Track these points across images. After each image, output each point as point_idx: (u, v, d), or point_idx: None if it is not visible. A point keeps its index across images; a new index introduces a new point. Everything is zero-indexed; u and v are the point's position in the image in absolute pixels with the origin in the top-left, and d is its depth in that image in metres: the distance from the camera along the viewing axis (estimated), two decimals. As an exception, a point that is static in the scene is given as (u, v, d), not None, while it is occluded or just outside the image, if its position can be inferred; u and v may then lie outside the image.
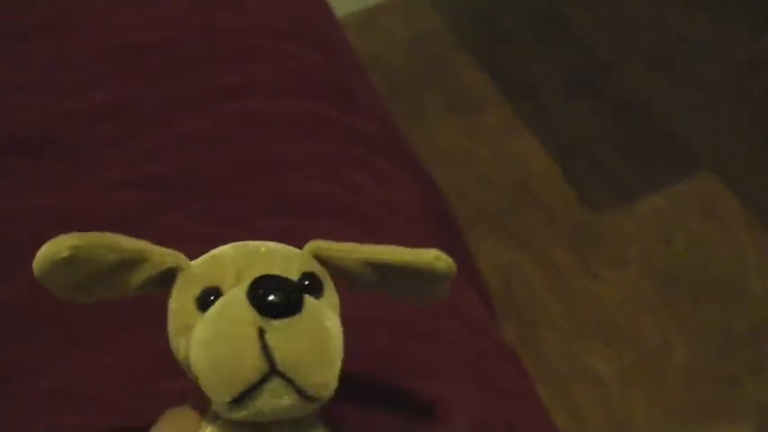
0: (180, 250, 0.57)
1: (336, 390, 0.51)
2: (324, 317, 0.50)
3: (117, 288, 0.55)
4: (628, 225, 1.60)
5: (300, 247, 0.57)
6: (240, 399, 0.49)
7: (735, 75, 1.81)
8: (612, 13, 1.98)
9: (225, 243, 0.58)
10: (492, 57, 1.94)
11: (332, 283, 0.56)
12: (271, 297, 0.48)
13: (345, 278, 0.57)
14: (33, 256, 0.82)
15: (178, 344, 0.53)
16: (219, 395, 0.49)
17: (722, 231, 1.57)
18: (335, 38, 1.12)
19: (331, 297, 0.55)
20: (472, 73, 1.91)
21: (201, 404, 0.54)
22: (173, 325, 0.54)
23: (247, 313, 0.48)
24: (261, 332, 0.48)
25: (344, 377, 0.52)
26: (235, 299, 0.49)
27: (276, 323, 0.48)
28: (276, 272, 0.52)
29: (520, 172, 1.71)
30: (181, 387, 0.57)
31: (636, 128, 1.75)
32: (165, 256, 0.55)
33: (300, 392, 0.49)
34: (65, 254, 0.51)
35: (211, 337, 0.49)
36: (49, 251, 0.51)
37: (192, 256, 0.58)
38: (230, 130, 0.93)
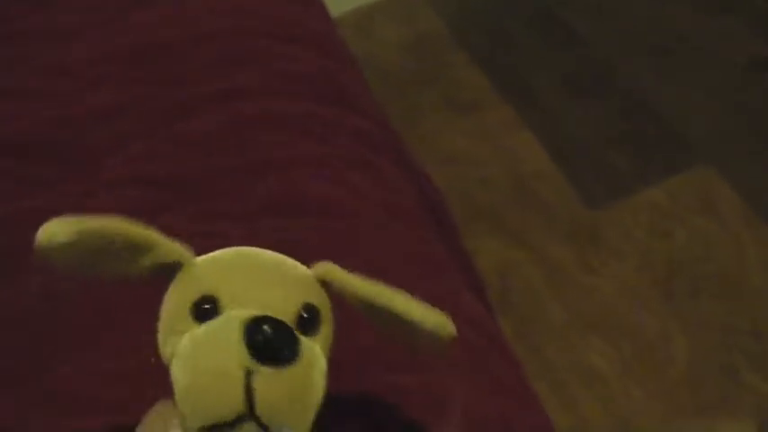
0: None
1: None
2: (314, 367, 0.50)
3: (120, 270, 0.54)
4: (626, 220, 1.60)
5: (307, 262, 0.56)
6: (210, 430, 0.49)
7: (733, 72, 1.81)
8: (612, 12, 1.98)
9: (226, 242, 0.57)
10: (490, 56, 1.95)
11: (330, 314, 0.55)
12: (267, 344, 0.48)
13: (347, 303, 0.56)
14: (30, 260, 0.82)
15: (165, 342, 0.53)
16: (191, 420, 0.49)
17: (721, 225, 1.57)
18: (331, 39, 1.12)
19: (327, 330, 0.54)
20: (470, 72, 1.92)
21: None
22: (164, 322, 0.54)
23: (239, 352, 0.48)
24: (248, 374, 0.47)
25: (335, 373, 0.52)
26: (229, 331, 0.49)
27: (265, 370, 0.48)
28: (277, 300, 0.52)
29: (518, 170, 1.72)
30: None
31: (633, 124, 1.76)
32: (171, 249, 0.54)
33: None
34: (70, 238, 0.50)
35: (198, 362, 0.49)
36: (53, 232, 0.51)
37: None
38: (229, 132, 0.94)
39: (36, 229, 0.86)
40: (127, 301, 0.77)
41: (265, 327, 0.48)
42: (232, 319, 0.50)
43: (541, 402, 0.77)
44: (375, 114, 1.03)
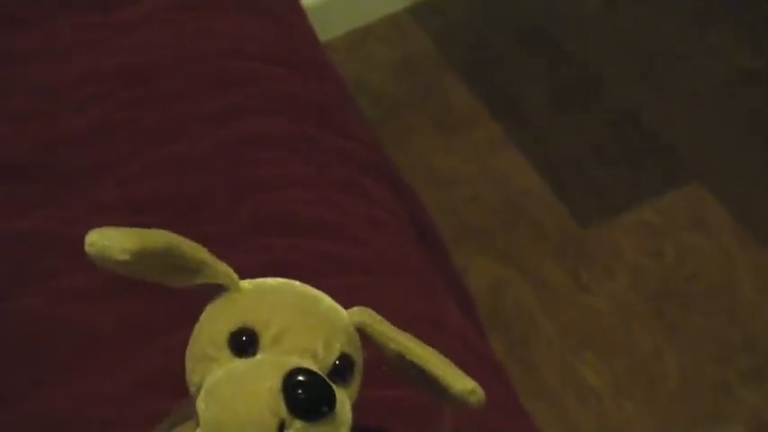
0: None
1: None
2: (343, 425, 0.50)
3: (164, 281, 0.53)
4: (617, 237, 1.61)
5: (346, 306, 0.56)
6: None
7: (721, 87, 1.82)
8: (599, 28, 2.00)
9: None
10: (478, 75, 1.95)
11: (361, 364, 0.55)
12: (305, 399, 0.47)
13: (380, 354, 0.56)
14: (21, 281, 0.83)
15: (194, 366, 0.52)
16: None
17: (711, 241, 1.58)
18: (319, 60, 1.13)
19: (357, 380, 0.54)
20: (459, 93, 1.92)
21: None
22: (197, 344, 0.53)
23: (276, 402, 0.47)
24: (281, 425, 0.47)
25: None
26: (268, 378, 0.48)
27: (299, 423, 0.47)
28: (319, 348, 0.51)
29: (508, 188, 1.72)
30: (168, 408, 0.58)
31: (624, 141, 1.77)
32: (218, 273, 0.54)
33: None
34: (124, 257, 0.49)
35: (232, 402, 0.48)
36: (106, 248, 0.49)
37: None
38: (218, 153, 0.94)
39: (23, 251, 0.87)
40: (123, 324, 0.78)
41: (305, 381, 0.48)
42: (273, 365, 0.49)
43: (533, 419, 0.77)
44: (364, 135, 1.04)
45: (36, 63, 1.09)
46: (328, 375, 0.51)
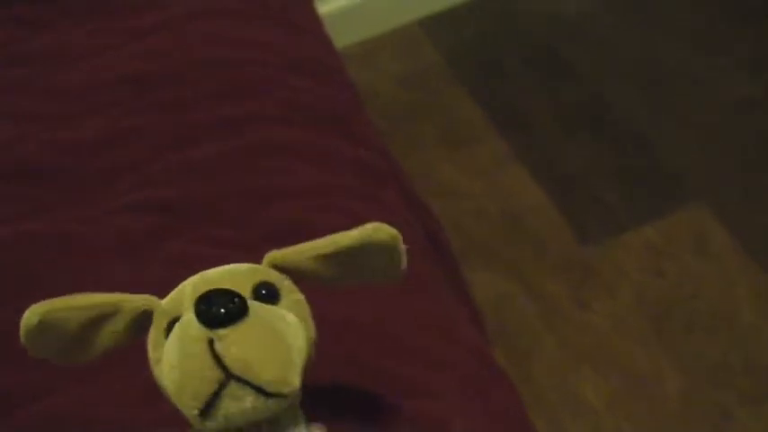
0: (183, 274, 0.59)
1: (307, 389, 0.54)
2: (274, 318, 0.53)
3: (102, 341, 0.57)
4: (619, 256, 1.61)
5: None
6: (207, 409, 0.51)
7: (727, 111, 1.83)
8: (608, 49, 2.00)
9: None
10: (487, 90, 1.96)
11: (292, 286, 0.58)
12: (213, 308, 0.51)
13: (307, 278, 0.59)
14: (32, 282, 0.83)
15: (157, 373, 0.55)
16: (188, 410, 0.52)
17: (713, 263, 1.58)
18: (337, 70, 1.13)
19: (290, 297, 0.57)
20: (467, 107, 1.93)
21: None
22: (151, 356, 0.56)
23: (196, 329, 0.51)
24: (210, 343, 0.51)
25: (341, 397, 0.53)
26: (185, 320, 0.53)
27: (222, 332, 0.51)
28: (227, 286, 0.54)
29: (512, 204, 1.73)
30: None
31: (628, 161, 1.77)
32: (135, 301, 0.57)
33: (260, 391, 0.51)
34: (35, 320, 0.54)
35: (173, 359, 0.52)
36: (22, 323, 0.54)
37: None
38: (233, 160, 0.95)
39: (35, 252, 0.87)
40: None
41: (204, 295, 0.52)
42: (187, 313, 0.53)
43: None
44: (377, 144, 1.04)
45: (51, 67, 1.10)
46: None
